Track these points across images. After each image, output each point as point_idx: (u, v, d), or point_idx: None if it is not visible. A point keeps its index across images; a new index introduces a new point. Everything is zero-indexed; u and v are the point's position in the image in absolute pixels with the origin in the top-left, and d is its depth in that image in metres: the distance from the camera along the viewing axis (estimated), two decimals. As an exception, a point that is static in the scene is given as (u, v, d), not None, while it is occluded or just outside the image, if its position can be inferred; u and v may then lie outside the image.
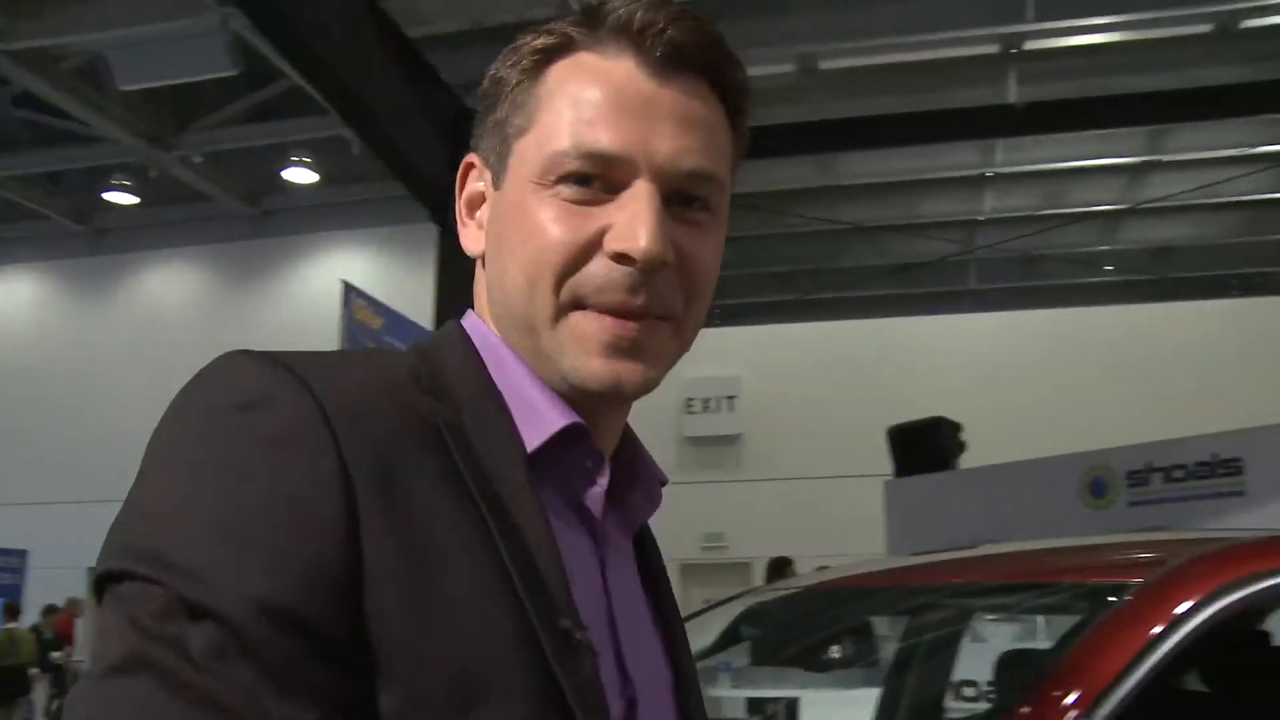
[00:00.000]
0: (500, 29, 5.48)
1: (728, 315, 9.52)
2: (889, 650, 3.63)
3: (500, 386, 0.82)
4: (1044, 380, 10.44)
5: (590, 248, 0.78)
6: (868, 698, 3.23)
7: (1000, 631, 4.90)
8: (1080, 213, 7.69)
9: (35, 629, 11.38)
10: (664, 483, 0.91)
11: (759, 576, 9.26)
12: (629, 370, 0.79)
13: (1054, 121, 6.03)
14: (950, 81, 6.03)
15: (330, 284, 8.76)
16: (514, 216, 0.81)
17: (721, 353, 10.72)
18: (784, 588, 3.69)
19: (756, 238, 7.80)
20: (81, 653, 11.73)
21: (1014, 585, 2.69)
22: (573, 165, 0.78)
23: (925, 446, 7.79)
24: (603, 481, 0.83)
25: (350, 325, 8.16)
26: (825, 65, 6.24)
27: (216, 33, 7.17)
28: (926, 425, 7.86)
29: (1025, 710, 1.95)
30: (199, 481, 0.68)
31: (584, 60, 0.81)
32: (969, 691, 4.12)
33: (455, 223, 0.90)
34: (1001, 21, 5.60)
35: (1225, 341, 10.12)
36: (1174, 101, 5.96)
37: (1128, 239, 8.46)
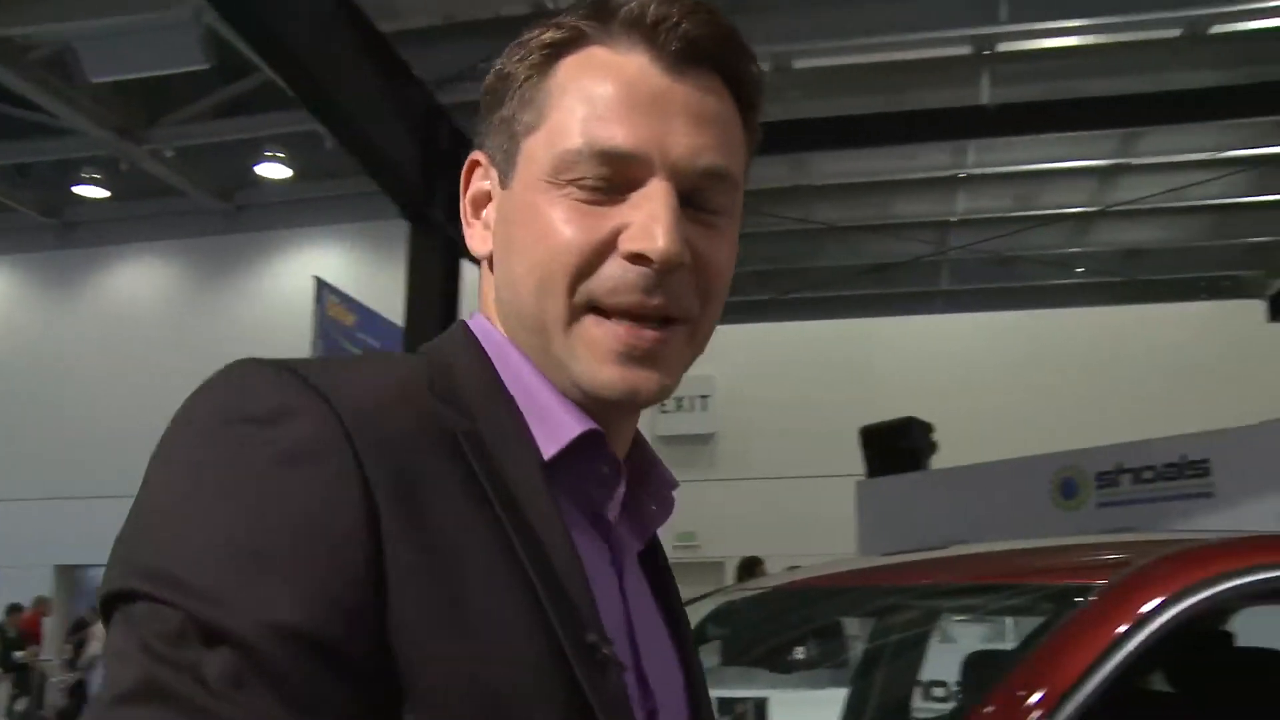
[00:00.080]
0: (473, 24, 5.47)
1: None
2: (858, 651, 3.64)
3: (512, 391, 0.80)
4: (1016, 381, 10.51)
5: (604, 248, 0.77)
6: (835, 698, 3.23)
7: (970, 632, 4.92)
8: (1052, 214, 7.73)
9: (-1, 627, 11.25)
10: (674, 486, 0.89)
11: (732, 576, 9.28)
12: (644, 379, 0.78)
13: (1026, 123, 6.06)
14: (923, 82, 6.04)
15: (303, 280, 8.72)
16: (524, 217, 0.79)
17: (697, 351, 10.73)
18: (753, 588, 3.69)
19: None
20: (49, 652, 11.63)
21: (984, 586, 2.69)
22: (585, 164, 0.77)
23: (897, 447, 7.82)
24: (620, 489, 0.82)
25: (323, 321, 8.12)
26: (799, 65, 6.24)
27: (189, 25, 7.10)
28: (898, 425, 7.90)
29: (988, 710, 1.95)
30: (213, 498, 0.65)
31: (595, 55, 0.79)
32: (939, 692, 4.13)
33: (461, 223, 0.87)
34: (974, 23, 5.62)
35: (1194, 344, 10.21)
36: (1144, 105, 6.00)
37: (1099, 241, 8.51)
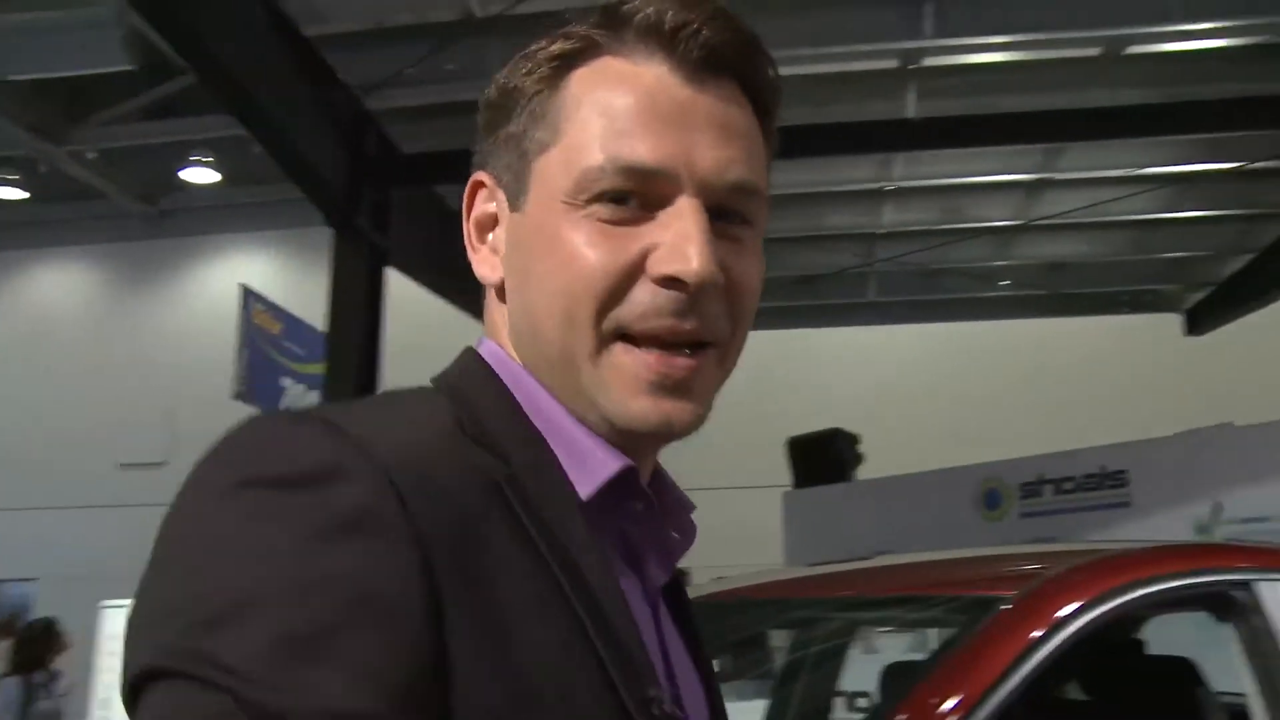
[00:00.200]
0: (401, 29, 5.41)
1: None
2: (781, 662, 3.64)
3: (537, 425, 0.76)
4: (942, 392, 10.63)
5: (633, 272, 0.73)
6: (756, 709, 3.23)
7: (895, 643, 4.95)
8: (978, 228, 7.83)
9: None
10: (692, 510, 0.85)
11: (660, 586, 9.23)
12: (678, 410, 0.75)
13: (951, 137, 6.13)
14: (849, 95, 6.09)
15: (229, 287, 8.58)
16: (542, 242, 0.75)
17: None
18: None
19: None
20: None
21: (907, 597, 2.71)
22: (608, 181, 0.73)
23: (823, 458, 7.87)
24: (655, 525, 0.80)
25: (248, 329, 7.99)
26: (728, 77, 6.26)
27: (111, 25, 6.95)
28: (825, 436, 7.95)
29: (901, 718, 1.96)
30: (261, 571, 0.58)
31: (609, 65, 0.76)
32: (863, 703, 4.15)
33: (465, 243, 0.83)
34: (900, 37, 5.68)
35: (1115, 356, 10.41)
36: (1065, 121, 6.11)
37: (1023, 255, 8.64)
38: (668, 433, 0.76)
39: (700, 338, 0.75)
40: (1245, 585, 2.49)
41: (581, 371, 0.75)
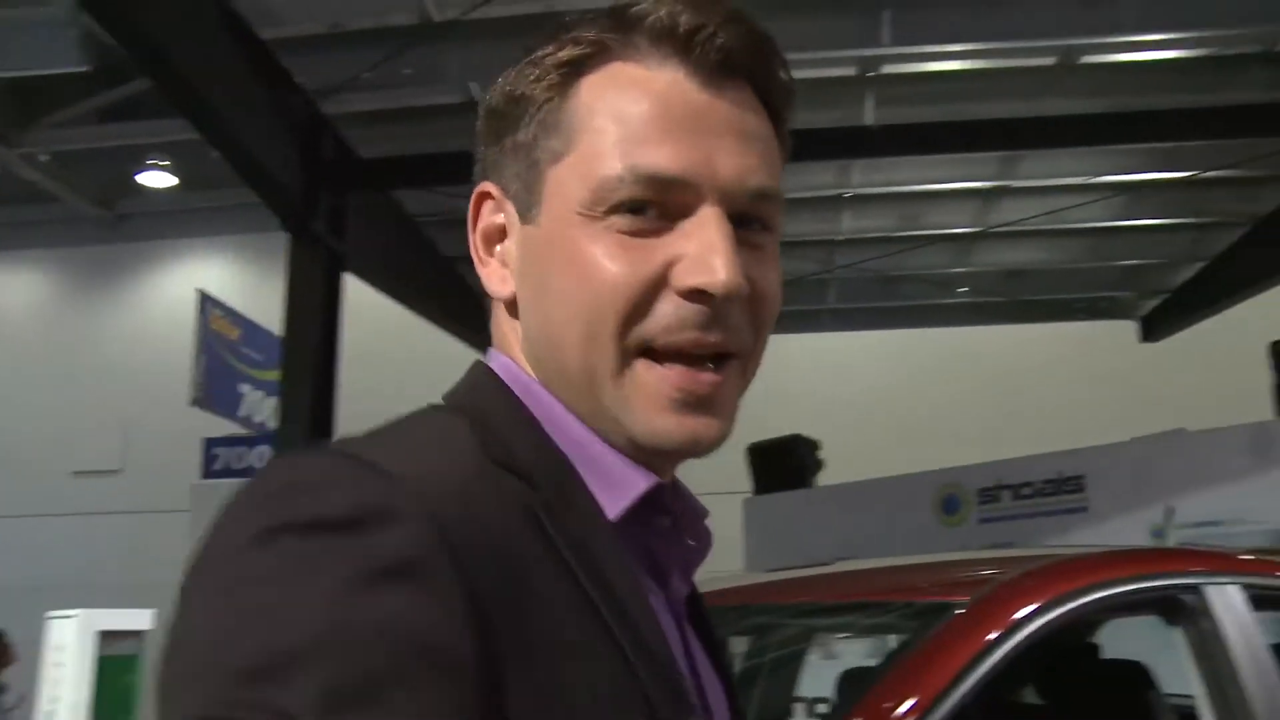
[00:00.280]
0: (358, 33, 5.37)
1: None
2: (739, 668, 3.63)
3: (560, 444, 0.74)
4: (900, 399, 10.69)
5: (656, 285, 0.71)
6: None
7: (852, 649, 4.96)
8: (936, 235, 7.88)
9: None
10: (706, 516, 0.84)
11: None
12: (704, 426, 0.73)
13: (909, 144, 6.17)
14: (808, 102, 6.10)
15: (186, 292, 8.48)
16: (558, 256, 0.73)
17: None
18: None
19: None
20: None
21: (866, 603, 2.71)
22: (627, 191, 0.71)
23: (783, 464, 7.89)
24: (678, 538, 0.79)
25: (206, 335, 7.92)
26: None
27: (65, 25, 6.85)
28: (785, 443, 7.98)
29: (854, 724, 1.96)
30: (308, 619, 0.56)
31: (621, 71, 0.74)
32: (822, 709, 4.15)
33: (472, 255, 0.81)
34: (859, 45, 5.71)
35: (1072, 363, 10.50)
36: (1021, 129, 6.17)
37: (981, 262, 8.70)
38: (693, 450, 0.74)
39: (725, 349, 0.73)
40: (1195, 589, 2.51)
41: (604, 390, 0.73)
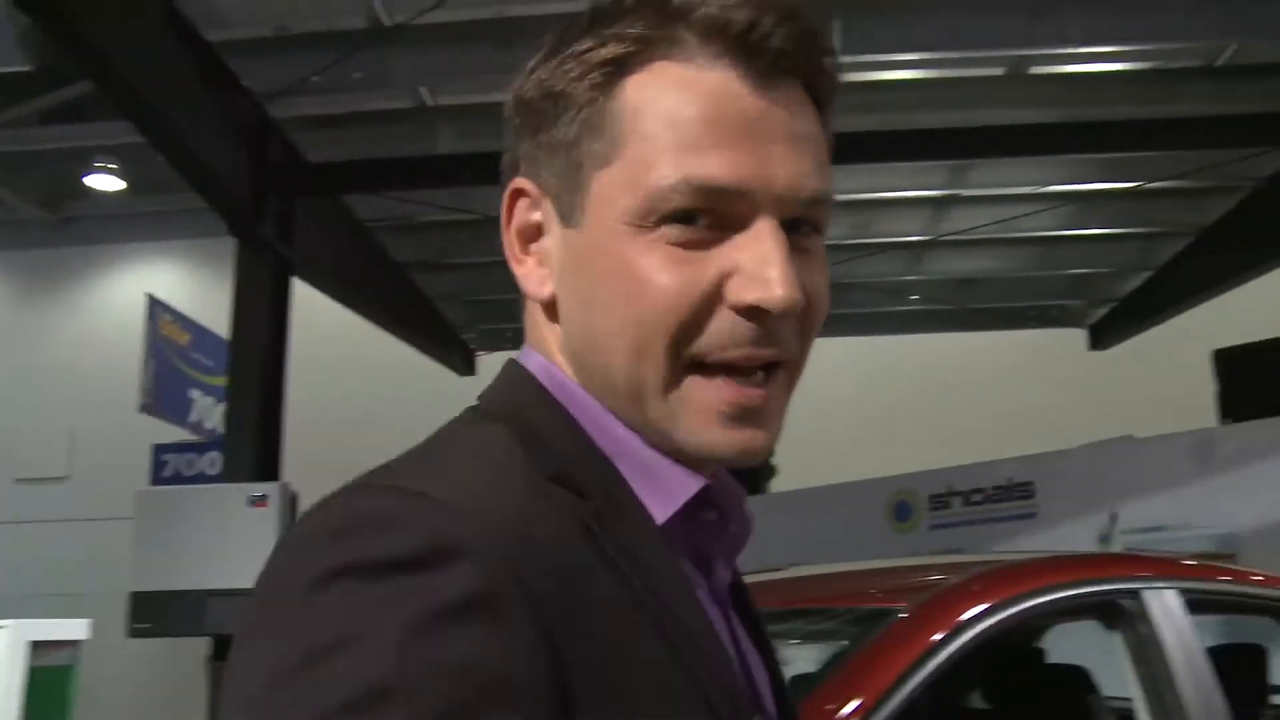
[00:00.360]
0: (307, 36, 5.32)
1: (521, 340, 9.48)
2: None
3: (605, 449, 0.73)
4: (852, 406, 10.74)
5: (710, 300, 0.69)
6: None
7: (802, 655, 4.97)
8: (887, 243, 7.93)
9: None
10: (744, 500, 0.82)
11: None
12: (755, 438, 0.72)
13: (860, 152, 6.19)
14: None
15: (135, 297, 8.37)
16: (606, 266, 0.71)
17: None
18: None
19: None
20: None
21: (814, 609, 2.72)
22: (680, 201, 0.68)
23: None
24: (726, 530, 0.78)
25: (155, 340, 7.81)
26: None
27: (5, 23, 6.73)
28: (737, 449, 7.98)
29: (795, 730, 1.96)
30: (386, 659, 0.55)
31: (668, 71, 0.71)
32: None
33: (506, 253, 0.79)
34: (810, 54, 5.72)
35: (1022, 370, 10.60)
36: (971, 138, 6.21)
37: (932, 270, 8.77)
38: (742, 461, 0.73)
39: (776, 360, 0.72)
40: (1134, 594, 2.54)
41: (651, 402, 0.72)
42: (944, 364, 10.46)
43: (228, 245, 6.15)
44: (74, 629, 2.85)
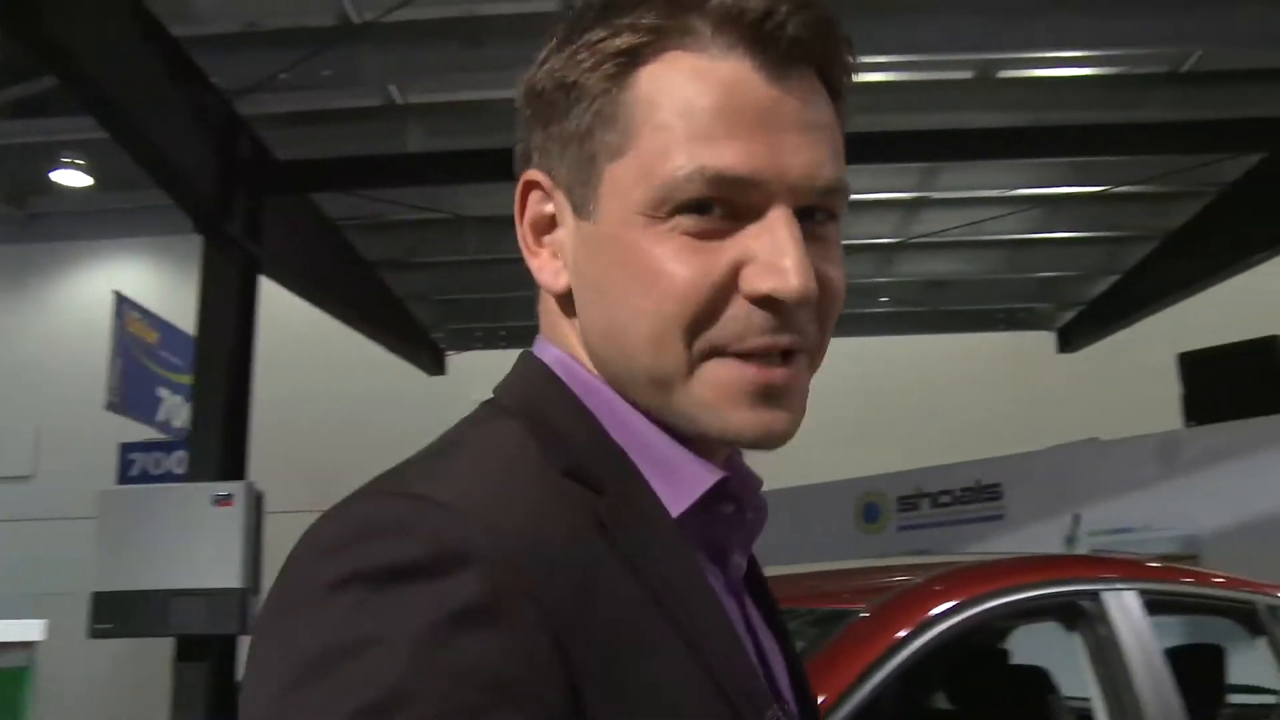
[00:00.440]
0: (275, 33, 5.28)
1: (515, 337, 9.45)
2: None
3: (616, 438, 0.74)
4: (821, 407, 10.71)
5: (724, 289, 0.70)
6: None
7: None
8: (857, 245, 7.95)
9: None
10: (760, 485, 0.84)
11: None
12: (779, 419, 0.73)
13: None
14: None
15: (102, 294, 8.29)
16: (621, 257, 0.71)
17: (495, 377, 10.65)
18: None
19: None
20: None
21: (781, 610, 2.72)
22: (694, 191, 0.69)
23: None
24: (743, 520, 0.79)
25: (122, 338, 7.74)
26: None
27: (-34, 17, 6.66)
28: (706, 450, 7.99)
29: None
30: (396, 666, 0.56)
31: (681, 61, 0.71)
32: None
33: (521, 245, 0.79)
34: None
35: (991, 373, 10.66)
36: (941, 141, 6.24)
37: (902, 272, 8.80)
38: (767, 443, 0.74)
39: (794, 348, 0.73)
40: (1093, 596, 2.56)
41: (674, 389, 0.72)
42: (913, 366, 10.51)
43: (197, 242, 6.10)
44: (29, 630, 2.82)
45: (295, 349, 9.79)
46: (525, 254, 0.79)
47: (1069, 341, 10.19)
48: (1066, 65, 6.08)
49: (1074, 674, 2.79)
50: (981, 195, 7.61)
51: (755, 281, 0.69)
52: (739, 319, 0.70)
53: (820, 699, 1.94)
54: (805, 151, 0.71)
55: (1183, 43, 5.69)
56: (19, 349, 12.06)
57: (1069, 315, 10.01)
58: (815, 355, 0.76)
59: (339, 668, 0.56)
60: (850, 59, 0.77)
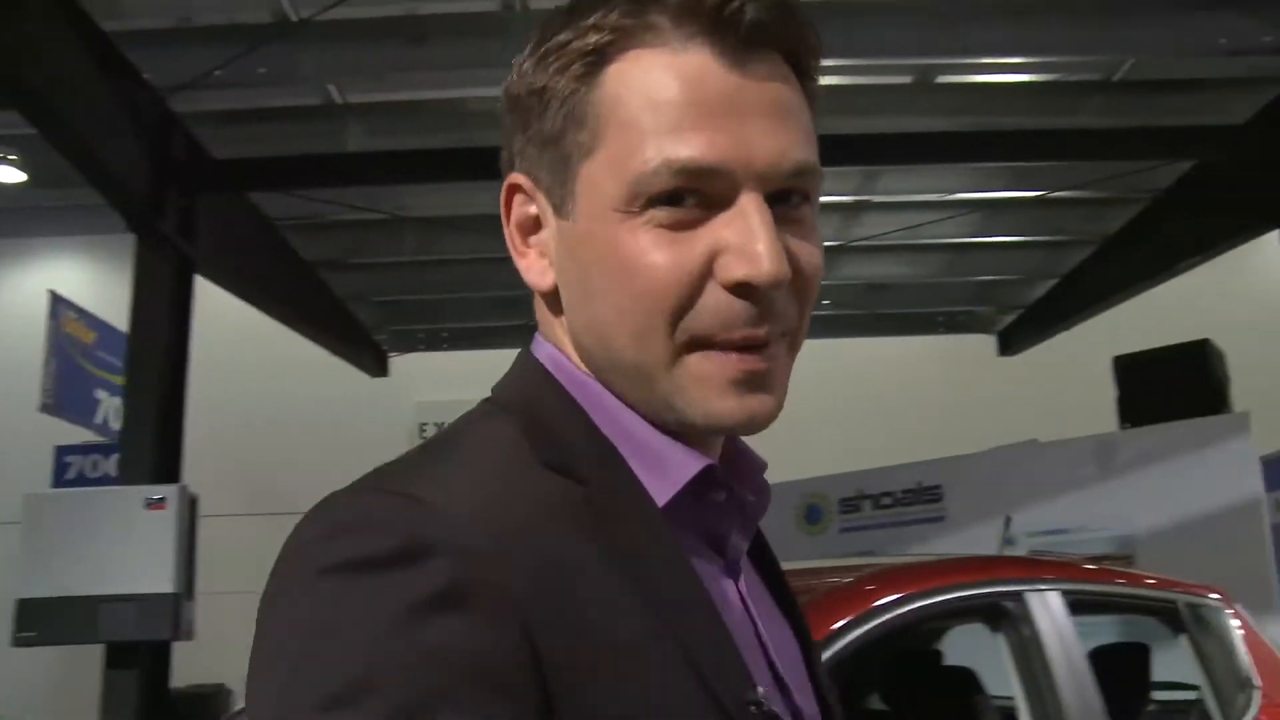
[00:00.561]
0: (209, 30, 5.20)
1: (457, 339, 9.38)
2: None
3: (606, 431, 0.75)
4: (767, 409, 10.81)
5: (700, 276, 0.71)
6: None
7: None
8: (801, 248, 7.97)
9: None
10: (764, 469, 0.86)
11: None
12: (761, 403, 0.74)
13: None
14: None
15: (37, 294, 8.13)
16: (599, 253, 0.73)
17: (455, 377, 10.56)
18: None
19: (482, 261, 7.71)
20: None
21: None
22: (663, 184, 0.70)
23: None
24: (735, 511, 0.79)
25: (58, 339, 7.60)
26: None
27: (-105, 10, 6.51)
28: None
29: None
30: (366, 652, 0.59)
31: (645, 57, 0.72)
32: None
33: (509, 247, 0.81)
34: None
35: (933, 376, 10.76)
36: (881, 145, 6.28)
37: (843, 275, 8.85)
38: (750, 428, 0.75)
39: (773, 336, 0.74)
40: (1017, 596, 2.58)
41: (658, 380, 0.73)
42: (855, 369, 10.58)
43: (134, 241, 6.00)
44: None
45: (234, 350, 9.66)
46: (513, 255, 0.81)
47: (1009, 345, 10.30)
48: (1004, 71, 6.14)
49: (1000, 675, 2.82)
50: (921, 199, 7.68)
51: (729, 269, 0.70)
52: (717, 307, 0.71)
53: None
54: (771, 136, 0.72)
55: (1114, 51, 5.78)
56: (-49, 350, 11.81)
57: (1009, 319, 10.13)
58: (796, 337, 0.78)
59: (314, 655, 0.60)
60: (815, 40, 0.78)
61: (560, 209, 0.76)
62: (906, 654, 3.47)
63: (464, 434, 0.77)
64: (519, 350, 0.84)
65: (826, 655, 2.15)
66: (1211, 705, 3.10)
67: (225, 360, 9.43)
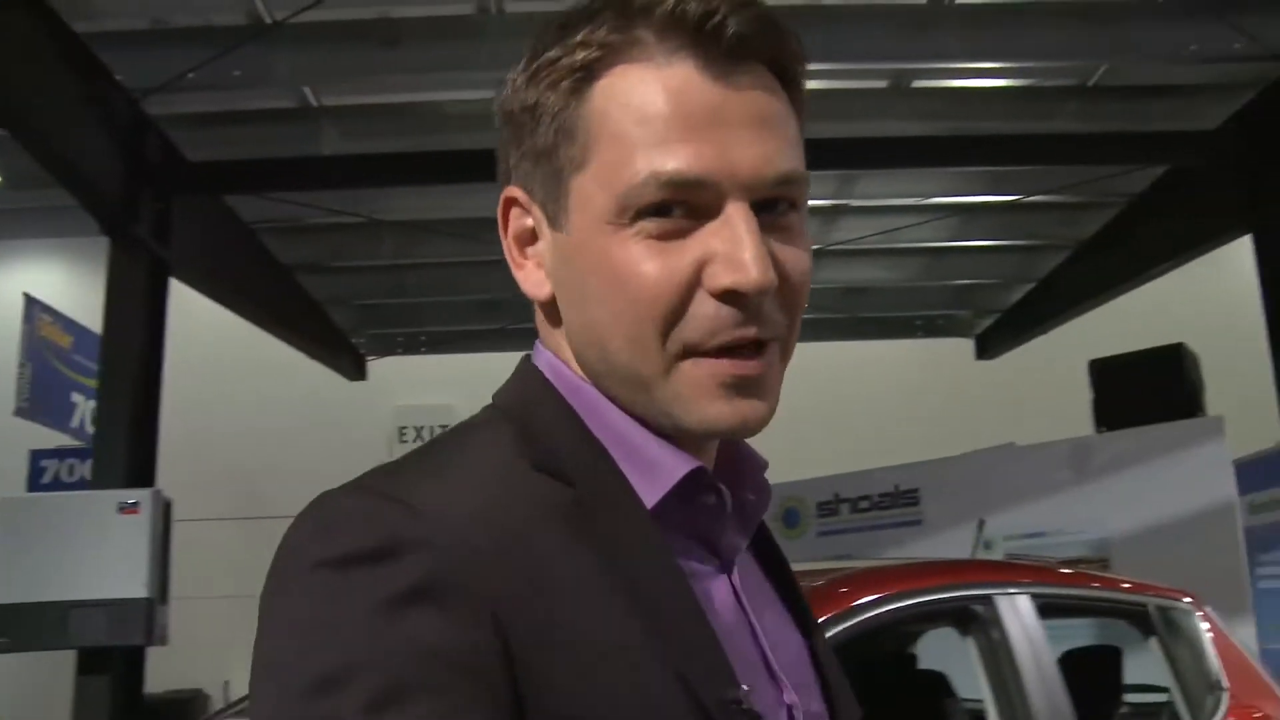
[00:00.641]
0: (183, 31, 5.17)
1: (435, 342, 9.35)
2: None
3: (599, 436, 0.78)
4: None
5: (689, 285, 0.73)
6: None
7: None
8: (779, 252, 7.98)
9: None
10: (765, 468, 0.87)
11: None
12: (753, 408, 0.76)
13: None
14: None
15: (12, 296, 8.08)
16: (592, 265, 0.75)
17: (434, 381, 10.54)
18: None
19: (460, 265, 7.69)
20: None
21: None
22: (650, 196, 0.72)
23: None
24: (729, 513, 0.80)
25: (33, 342, 7.55)
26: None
27: None
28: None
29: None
30: (346, 643, 0.63)
31: (631, 72, 0.73)
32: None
33: (507, 258, 0.83)
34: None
35: (910, 379, 10.79)
36: (858, 149, 6.29)
37: (821, 279, 8.86)
38: (743, 432, 0.77)
39: (763, 338, 0.75)
40: (987, 600, 2.58)
41: (653, 387, 0.75)
42: (833, 372, 10.58)
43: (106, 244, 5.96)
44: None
45: (212, 353, 9.61)
46: (511, 266, 0.83)
47: (986, 348, 10.33)
48: (980, 76, 6.18)
49: (971, 678, 2.82)
50: (899, 203, 7.69)
51: (717, 277, 0.72)
52: (707, 315, 0.73)
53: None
54: (755, 146, 0.73)
55: (1088, 57, 5.81)
56: (-76, 353, 11.70)
57: (986, 322, 10.15)
58: (787, 343, 0.80)
59: (303, 644, 0.64)
60: (798, 48, 0.79)
61: (554, 221, 0.78)
62: (878, 657, 3.48)
63: (460, 437, 0.80)
64: (520, 356, 0.86)
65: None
66: (1181, 707, 3.12)
67: (202, 363, 9.39)
